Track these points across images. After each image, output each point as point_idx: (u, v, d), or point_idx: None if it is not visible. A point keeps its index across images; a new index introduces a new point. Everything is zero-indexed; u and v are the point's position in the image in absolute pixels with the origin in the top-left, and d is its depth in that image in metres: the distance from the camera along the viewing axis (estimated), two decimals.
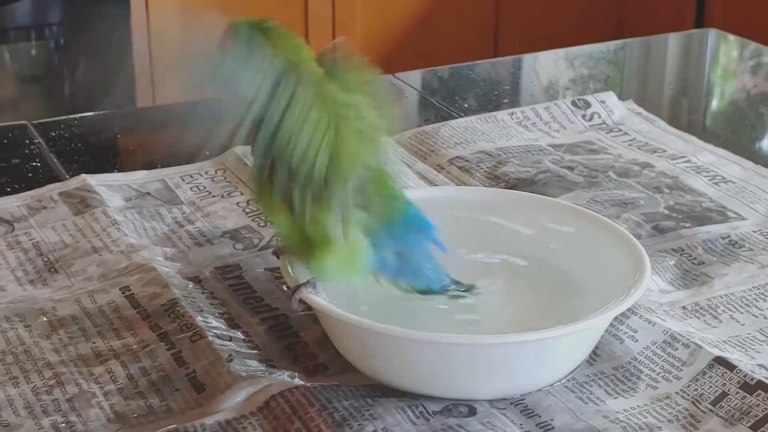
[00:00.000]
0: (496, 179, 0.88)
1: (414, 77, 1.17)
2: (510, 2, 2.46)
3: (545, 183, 0.86)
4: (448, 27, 2.42)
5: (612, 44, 1.29)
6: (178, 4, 2.20)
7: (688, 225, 0.80)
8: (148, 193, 0.85)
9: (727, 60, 1.28)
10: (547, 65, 1.25)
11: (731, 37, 1.28)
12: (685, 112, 1.13)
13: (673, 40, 1.30)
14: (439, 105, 1.08)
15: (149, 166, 0.90)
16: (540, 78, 1.23)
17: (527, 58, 1.26)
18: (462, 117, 1.02)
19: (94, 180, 0.85)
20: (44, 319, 0.69)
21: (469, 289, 0.67)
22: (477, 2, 2.43)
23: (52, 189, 0.84)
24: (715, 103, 1.18)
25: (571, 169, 0.89)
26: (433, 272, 0.65)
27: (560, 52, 1.25)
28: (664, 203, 0.83)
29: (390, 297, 0.67)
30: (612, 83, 1.19)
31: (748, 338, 0.68)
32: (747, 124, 1.09)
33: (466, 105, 1.07)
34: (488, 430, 0.59)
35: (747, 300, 0.71)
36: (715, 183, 0.87)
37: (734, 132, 1.07)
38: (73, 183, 0.85)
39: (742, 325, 0.69)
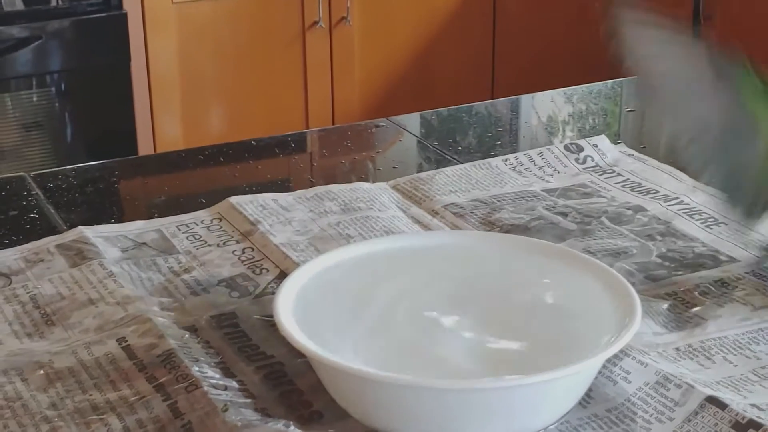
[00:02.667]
0: (490, 225, 0.89)
1: (409, 120, 1.18)
2: (506, 43, 2.48)
3: (539, 230, 0.87)
4: (445, 69, 2.44)
5: (609, 83, 1.30)
6: (177, 52, 2.22)
7: (680, 273, 0.80)
8: (145, 243, 0.86)
9: None
10: (544, 105, 1.26)
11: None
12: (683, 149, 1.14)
13: None
14: (434, 148, 1.09)
15: (147, 214, 0.91)
16: (539, 117, 1.24)
17: (524, 99, 1.27)
18: (457, 161, 1.03)
19: (90, 232, 0.86)
20: (41, 372, 0.69)
21: None
22: (474, 43, 2.45)
23: (49, 242, 0.85)
24: None
25: (564, 215, 0.90)
26: None
27: (557, 92, 1.26)
28: (657, 251, 0.83)
29: (374, 343, 0.68)
30: (609, 121, 1.20)
31: (741, 379, 0.68)
32: None
33: (459, 148, 1.08)
34: None
35: (740, 343, 0.72)
36: (708, 226, 0.88)
37: None
38: (69, 235, 0.86)
39: (735, 366, 0.69)
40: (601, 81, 1.30)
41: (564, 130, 1.17)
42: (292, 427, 0.63)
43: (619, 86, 1.29)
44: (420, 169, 1.00)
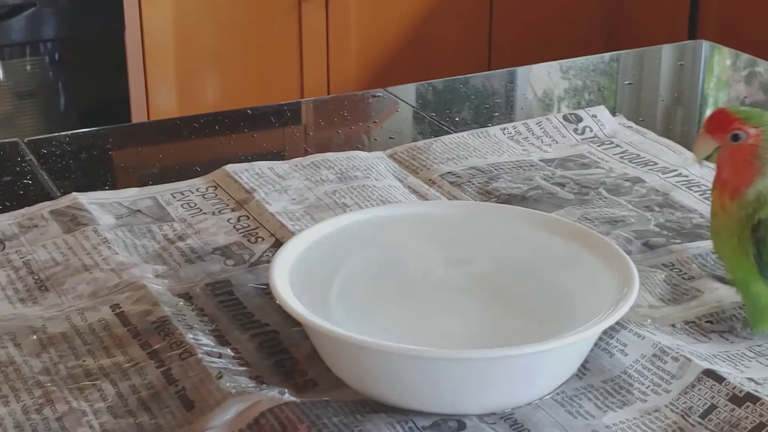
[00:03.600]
0: (487, 195, 0.88)
1: (407, 91, 1.17)
2: (503, 15, 2.46)
3: (536, 199, 0.86)
4: (442, 40, 2.43)
5: (606, 56, 1.29)
6: (172, 20, 2.20)
7: (678, 241, 0.80)
8: (139, 211, 0.85)
9: (720, 70, 1.28)
10: (540, 77, 1.25)
11: (724, 49, 1.28)
12: (679, 122, 1.14)
13: (666, 52, 1.30)
14: (431, 119, 1.09)
15: (141, 182, 0.91)
16: (534, 90, 1.23)
17: (521, 71, 1.27)
18: (454, 132, 1.02)
19: (85, 198, 0.86)
20: (34, 337, 0.69)
21: None
22: (471, 15, 2.44)
23: (43, 207, 0.85)
24: (708, 113, 1.18)
25: (562, 185, 0.89)
26: None
27: (554, 65, 1.26)
28: (655, 221, 0.83)
29: (369, 311, 0.68)
30: (606, 95, 1.19)
31: (737, 354, 0.68)
32: None
33: (457, 119, 1.07)
34: None
35: (736, 317, 0.71)
36: (705, 198, 0.87)
37: None
38: (64, 201, 0.85)
39: (732, 342, 0.69)
40: (598, 54, 1.29)
41: (560, 105, 1.16)
42: (287, 395, 0.63)
43: (616, 60, 1.28)
44: (416, 140, 1.00)
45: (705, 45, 1.29)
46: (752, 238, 0.66)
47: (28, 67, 2.21)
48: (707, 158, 0.68)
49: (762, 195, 0.67)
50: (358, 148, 0.97)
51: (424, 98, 1.18)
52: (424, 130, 1.07)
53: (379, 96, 1.14)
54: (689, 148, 0.96)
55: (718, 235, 0.70)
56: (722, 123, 0.67)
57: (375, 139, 1.05)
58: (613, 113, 1.04)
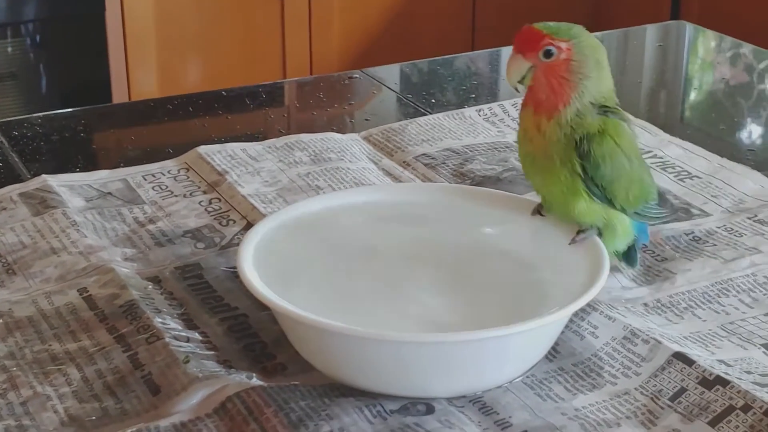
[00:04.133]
0: (461, 176, 0.87)
1: (384, 72, 1.16)
2: None
3: (510, 181, 0.86)
4: (425, 21, 2.42)
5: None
6: (153, 2, 2.19)
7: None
8: (110, 193, 0.84)
9: (704, 52, 1.27)
10: None
11: (708, 31, 1.27)
12: (662, 104, 1.13)
13: (650, 32, 1.29)
14: (407, 100, 1.08)
15: (112, 164, 0.90)
16: None
17: (505, 51, 1.26)
18: (430, 113, 1.01)
19: (54, 180, 0.85)
20: (0, 321, 0.68)
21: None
22: None
23: (12, 190, 0.84)
24: (692, 95, 1.17)
25: None
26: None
27: None
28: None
29: (339, 295, 0.68)
30: None
31: (709, 334, 0.68)
32: (723, 115, 1.09)
33: (433, 101, 1.06)
34: (445, 428, 0.58)
35: (709, 296, 0.71)
36: (681, 179, 0.87)
37: (709, 123, 1.07)
38: (33, 184, 0.85)
39: (704, 321, 0.69)
40: None
41: None
42: (255, 379, 0.62)
43: (600, 41, 1.27)
44: (392, 121, 0.99)
45: (688, 27, 1.29)
46: (576, 156, 0.65)
47: (9, 49, 2.19)
48: (521, 81, 0.65)
49: (580, 112, 0.65)
50: (332, 130, 0.96)
51: (402, 79, 1.17)
52: (400, 111, 1.07)
53: (356, 77, 1.13)
54: (675, 127, 0.96)
55: (531, 158, 0.68)
56: (532, 40, 0.64)
57: (350, 121, 1.04)
58: None
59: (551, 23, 0.66)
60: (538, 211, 0.70)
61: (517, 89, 0.66)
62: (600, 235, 0.68)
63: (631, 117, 0.75)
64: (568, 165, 0.66)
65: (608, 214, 0.68)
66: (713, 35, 1.27)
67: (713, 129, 1.05)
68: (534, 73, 0.65)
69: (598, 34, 1.28)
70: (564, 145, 0.66)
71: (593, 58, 0.65)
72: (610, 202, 0.67)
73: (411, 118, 1.00)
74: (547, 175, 0.67)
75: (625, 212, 0.68)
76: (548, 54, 0.64)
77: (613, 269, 0.72)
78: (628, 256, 0.72)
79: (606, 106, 0.67)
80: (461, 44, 2.43)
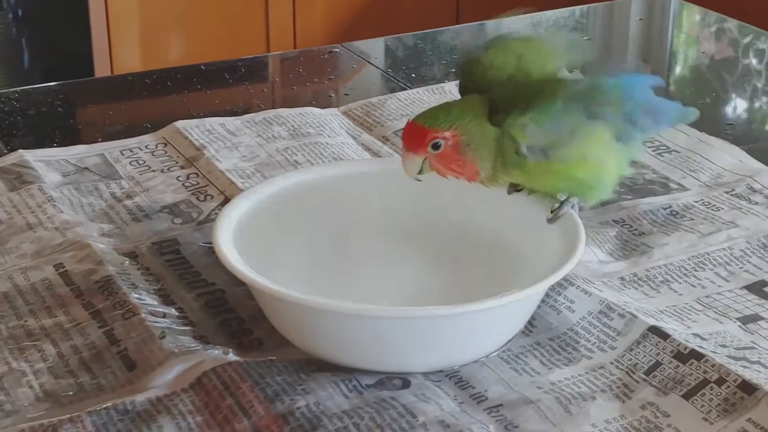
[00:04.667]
0: None
1: (365, 46, 1.16)
2: None
3: None
4: None
5: (576, 10, 1.28)
6: None
7: (630, 197, 0.80)
8: (87, 168, 0.84)
9: (688, 26, 1.27)
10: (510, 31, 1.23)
11: (692, 6, 1.27)
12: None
13: (635, 5, 1.29)
14: (387, 75, 1.08)
15: (90, 139, 0.89)
16: None
17: (490, 25, 1.25)
18: (410, 88, 1.01)
19: (31, 155, 0.84)
20: None
21: None
22: None
23: None
24: (675, 69, 1.17)
25: None
26: (664, 103, 0.72)
27: (525, 19, 1.24)
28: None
29: (316, 270, 0.67)
30: None
31: (685, 308, 0.68)
32: (704, 89, 1.09)
33: (414, 75, 1.06)
34: (421, 402, 0.59)
35: (685, 269, 0.71)
36: (659, 153, 0.87)
37: (691, 97, 1.07)
38: (9, 159, 0.84)
39: (680, 295, 0.69)
40: (568, 7, 1.28)
41: None
42: (231, 355, 0.62)
43: (585, 15, 1.27)
44: (372, 96, 0.99)
45: (673, 1, 1.28)
46: (518, 159, 0.65)
47: None
48: (420, 172, 0.66)
49: (496, 163, 0.66)
50: (313, 105, 0.96)
51: (384, 54, 1.17)
52: (382, 86, 1.06)
53: (337, 51, 1.12)
54: None
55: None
56: (417, 138, 0.65)
57: (330, 95, 1.04)
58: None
59: (430, 114, 0.66)
60: (515, 188, 0.70)
61: (419, 179, 0.67)
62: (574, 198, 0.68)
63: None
64: (523, 168, 0.66)
65: (580, 169, 0.67)
66: (698, 9, 1.27)
67: (694, 103, 1.04)
68: (430, 163, 0.66)
69: (585, 7, 1.28)
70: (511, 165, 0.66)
71: (478, 129, 0.65)
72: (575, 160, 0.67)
73: (391, 92, 0.99)
74: (525, 184, 0.68)
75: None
76: (436, 147, 0.65)
77: (589, 243, 0.72)
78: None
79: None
80: (446, 17, 2.43)
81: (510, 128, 0.65)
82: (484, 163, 0.66)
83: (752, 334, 0.65)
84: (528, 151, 0.65)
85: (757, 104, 1.06)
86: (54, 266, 0.71)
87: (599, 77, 0.69)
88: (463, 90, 0.69)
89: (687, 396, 0.59)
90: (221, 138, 0.88)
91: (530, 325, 0.66)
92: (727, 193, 0.80)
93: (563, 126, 0.65)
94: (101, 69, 2.18)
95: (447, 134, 0.65)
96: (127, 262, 0.71)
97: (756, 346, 0.63)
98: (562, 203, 0.67)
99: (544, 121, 0.64)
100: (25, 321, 0.66)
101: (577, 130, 0.65)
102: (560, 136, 0.65)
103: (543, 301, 0.67)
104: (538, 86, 0.66)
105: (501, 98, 0.66)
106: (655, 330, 0.64)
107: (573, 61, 0.70)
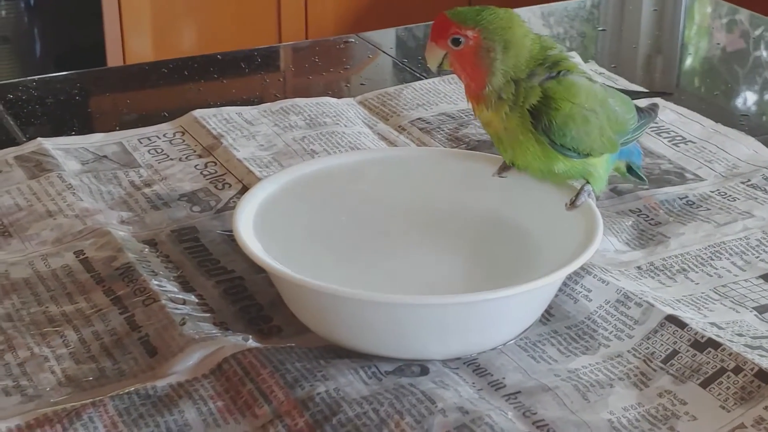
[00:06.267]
0: (457, 141, 0.88)
1: (380, 36, 1.16)
2: None
3: None
4: None
5: (587, 1, 1.28)
6: None
7: (646, 187, 0.80)
8: (105, 156, 0.84)
9: (700, 17, 1.27)
10: None
11: None
12: (659, 70, 1.13)
13: None
14: (402, 65, 1.08)
15: (108, 128, 0.90)
16: None
17: None
18: (425, 78, 1.01)
19: (50, 144, 0.85)
20: None
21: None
22: None
23: (8, 153, 0.84)
24: (688, 60, 1.17)
25: None
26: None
27: (535, 9, 1.24)
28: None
29: (335, 257, 0.68)
30: (586, 42, 1.18)
31: (701, 297, 0.68)
32: (718, 81, 1.09)
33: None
34: (440, 388, 0.59)
35: (702, 258, 0.72)
36: (675, 144, 0.87)
37: (705, 88, 1.07)
38: (29, 147, 0.85)
39: (696, 284, 0.69)
40: None
41: None
42: (251, 341, 0.63)
43: (597, 7, 1.27)
44: (388, 86, 0.99)
45: None
46: (540, 130, 0.66)
47: (3, 13, 2.18)
48: (441, 65, 0.66)
49: (504, 90, 0.65)
50: (328, 95, 0.96)
51: (396, 44, 1.17)
52: (396, 76, 1.07)
53: (352, 41, 1.13)
54: (668, 93, 0.96)
55: (496, 138, 0.69)
56: (441, 29, 0.65)
57: (346, 86, 1.04)
58: (587, 60, 1.03)
59: (462, 9, 0.66)
60: (503, 168, 0.70)
61: (438, 73, 0.67)
62: (590, 185, 0.69)
63: (582, 64, 0.73)
64: (532, 138, 0.66)
65: (590, 162, 0.68)
66: (710, 1, 1.27)
67: (708, 95, 1.05)
68: (449, 59, 0.66)
69: None
70: (517, 121, 0.66)
71: (502, 40, 0.65)
72: (588, 156, 0.68)
73: (406, 82, 1.00)
74: (517, 149, 0.68)
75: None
76: (456, 42, 0.65)
77: (606, 233, 0.73)
78: (633, 174, 0.74)
79: (555, 64, 0.66)
80: (459, 4, 2.43)
81: (547, 116, 0.65)
82: (495, 81, 0.65)
83: None
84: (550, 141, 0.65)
85: None
86: (74, 253, 0.71)
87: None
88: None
89: (704, 384, 0.60)
90: (239, 127, 0.89)
91: (548, 314, 0.66)
92: (742, 183, 0.81)
93: (591, 129, 0.66)
94: (114, 58, 2.18)
95: (469, 33, 0.64)
96: (146, 250, 0.72)
97: None
98: (579, 192, 0.68)
99: (579, 124, 0.66)
100: (47, 307, 0.66)
101: (598, 130, 0.67)
102: (583, 136, 0.66)
103: (560, 289, 0.67)
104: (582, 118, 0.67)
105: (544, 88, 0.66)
106: (672, 319, 0.64)
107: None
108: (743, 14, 1.21)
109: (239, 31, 2.26)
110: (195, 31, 2.26)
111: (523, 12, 1.25)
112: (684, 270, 0.71)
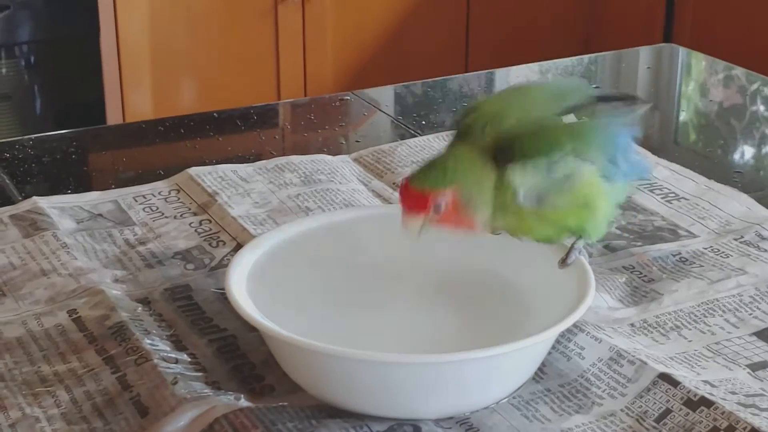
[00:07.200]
0: None
1: (376, 94, 1.17)
2: (481, 17, 2.47)
3: None
4: (419, 42, 2.43)
5: (585, 58, 1.29)
6: (147, 22, 2.20)
7: (639, 244, 0.80)
8: (100, 215, 0.85)
9: (695, 74, 1.28)
10: (519, 80, 1.25)
11: (700, 55, 1.28)
12: (656, 127, 1.14)
13: (643, 54, 1.30)
14: (398, 122, 1.09)
15: (104, 186, 0.90)
16: None
17: (500, 73, 1.26)
18: (420, 135, 1.02)
19: (45, 202, 0.85)
20: None
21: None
22: (448, 17, 2.44)
23: (3, 212, 0.84)
24: (683, 117, 1.18)
25: None
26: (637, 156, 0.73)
27: (533, 66, 1.25)
28: (616, 224, 0.83)
29: (328, 316, 0.68)
30: None
31: (695, 354, 0.68)
32: (712, 137, 1.09)
33: (424, 122, 1.07)
34: None
35: (695, 316, 0.72)
36: (668, 201, 0.87)
37: (699, 145, 1.08)
38: (24, 206, 0.85)
39: (690, 341, 0.69)
40: (576, 56, 1.29)
41: None
42: (243, 400, 0.63)
43: (594, 62, 1.28)
44: (382, 143, 0.99)
45: (680, 50, 1.30)
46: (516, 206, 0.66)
47: (3, 70, 2.20)
48: (422, 229, 0.66)
49: (495, 214, 0.66)
50: (324, 152, 0.97)
51: (394, 101, 1.18)
52: (392, 133, 1.07)
53: (348, 99, 1.13)
54: (667, 150, 0.96)
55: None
56: (419, 201, 0.65)
57: (341, 142, 1.05)
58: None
59: (427, 174, 0.65)
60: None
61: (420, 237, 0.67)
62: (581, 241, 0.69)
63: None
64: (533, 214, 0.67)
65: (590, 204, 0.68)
66: (705, 58, 1.28)
67: (702, 151, 1.06)
68: (431, 221, 0.66)
69: (593, 56, 1.29)
70: (509, 222, 0.67)
71: (474, 181, 0.66)
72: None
73: (401, 139, 1.00)
74: (523, 227, 0.68)
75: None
76: (438, 209, 0.65)
77: (599, 289, 0.73)
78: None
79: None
80: (456, 66, 2.45)
81: (510, 176, 0.65)
82: (482, 212, 0.66)
83: (762, 381, 0.65)
84: (524, 198, 0.65)
85: (765, 151, 1.07)
86: (67, 312, 0.71)
87: (588, 121, 0.70)
88: (457, 135, 0.69)
89: None
90: (233, 185, 0.89)
91: (541, 372, 0.66)
92: (736, 240, 0.81)
93: (559, 172, 0.66)
94: (113, 116, 2.20)
95: (447, 192, 0.65)
96: (139, 308, 0.72)
97: (766, 393, 0.64)
98: (570, 249, 0.68)
99: (541, 168, 0.65)
100: (39, 367, 0.66)
101: (572, 175, 0.66)
102: (556, 182, 0.66)
103: (553, 347, 0.67)
104: (533, 132, 0.67)
105: (496, 144, 0.66)
106: (665, 377, 0.64)
107: (567, 105, 0.70)
108: (738, 71, 1.22)
109: (239, 89, 2.28)
110: (195, 88, 2.28)
111: (521, 69, 1.26)
112: (677, 327, 0.71)
